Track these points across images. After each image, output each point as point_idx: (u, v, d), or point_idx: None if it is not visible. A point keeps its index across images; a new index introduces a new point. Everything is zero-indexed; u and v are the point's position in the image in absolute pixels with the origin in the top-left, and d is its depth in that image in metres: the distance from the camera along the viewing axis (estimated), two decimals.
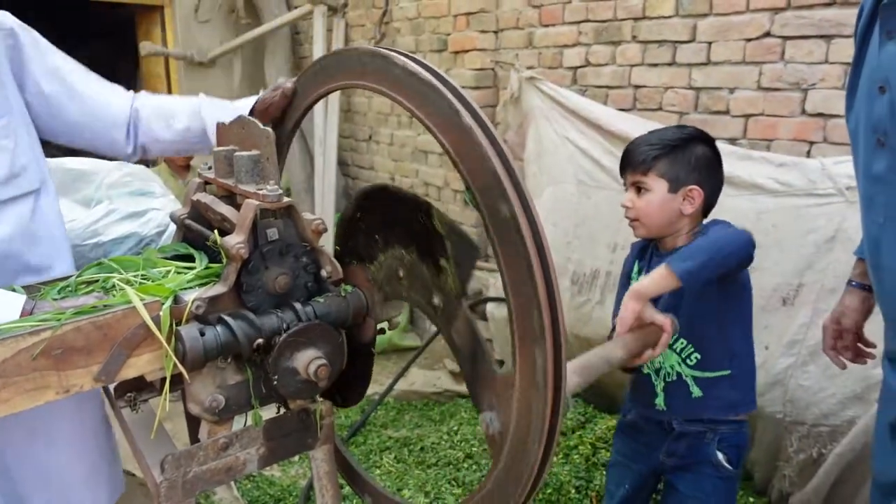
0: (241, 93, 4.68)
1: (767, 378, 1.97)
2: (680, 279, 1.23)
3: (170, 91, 4.68)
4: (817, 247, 1.93)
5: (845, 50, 1.96)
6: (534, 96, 2.77)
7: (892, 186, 1.06)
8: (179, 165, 3.23)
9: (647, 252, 1.54)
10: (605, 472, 2.09)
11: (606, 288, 2.44)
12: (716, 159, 1.46)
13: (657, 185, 1.41)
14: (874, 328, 1.32)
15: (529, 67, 2.87)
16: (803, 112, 2.08)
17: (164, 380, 1.01)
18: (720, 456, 1.42)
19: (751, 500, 2.07)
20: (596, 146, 2.55)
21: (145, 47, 4.35)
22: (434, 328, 3.37)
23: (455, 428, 2.55)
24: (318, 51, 3.94)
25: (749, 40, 2.17)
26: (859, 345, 1.40)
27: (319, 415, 1.19)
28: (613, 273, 2.41)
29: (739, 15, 2.19)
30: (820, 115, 2.05)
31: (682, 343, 1.43)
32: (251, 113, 1.31)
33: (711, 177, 1.44)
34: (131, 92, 1.45)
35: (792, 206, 2.01)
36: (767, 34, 2.13)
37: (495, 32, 3.09)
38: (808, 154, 2.08)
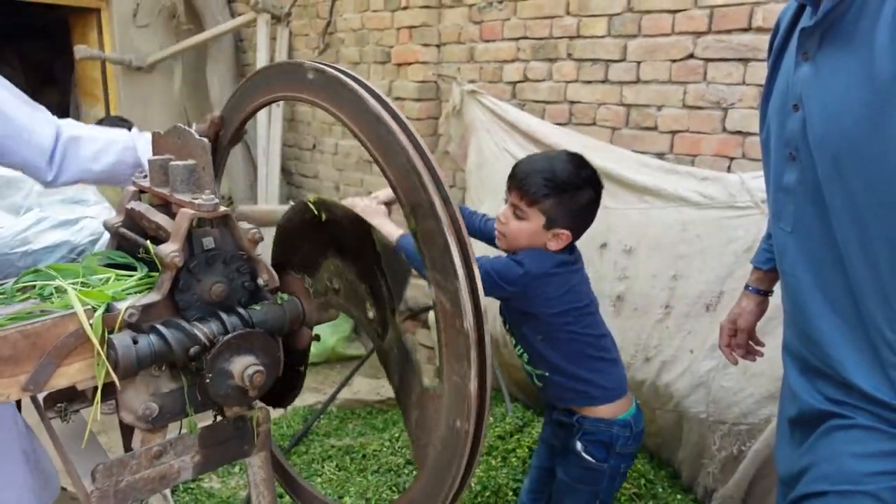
0: (182, 99, 4.60)
1: (692, 380, 2.09)
2: (397, 243, 1.50)
3: (107, 95, 4.57)
4: (737, 256, 2.06)
5: (761, 73, 2.10)
6: (475, 109, 2.85)
7: (800, 197, 1.14)
8: None
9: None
10: None
11: None
12: (596, 204, 1.55)
13: (535, 219, 1.49)
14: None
15: (471, 81, 2.95)
16: (724, 129, 2.22)
17: (95, 389, 1.01)
18: (579, 446, 1.56)
19: (678, 497, 2.17)
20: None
21: (80, 51, 4.23)
22: None
23: (397, 435, 2.58)
24: (261, 59, 3.93)
25: (674, 61, 2.30)
26: (750, 343, 1.53)
27: (256, 422, 1.20)
28: None
29: (666, 37, 2.31)
30: (739, 132, 2.18)
31: (513, 340, 1.64)
32: None
33: (585, 222, 1.55)
34: (61, 120, 1.43)
35: (714, 217, 2.14)
36: (691, 56, 2.26)
37: (437, 46, 3.16)
38: (729, 169, 2.22)
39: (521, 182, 1.49)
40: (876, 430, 1.07)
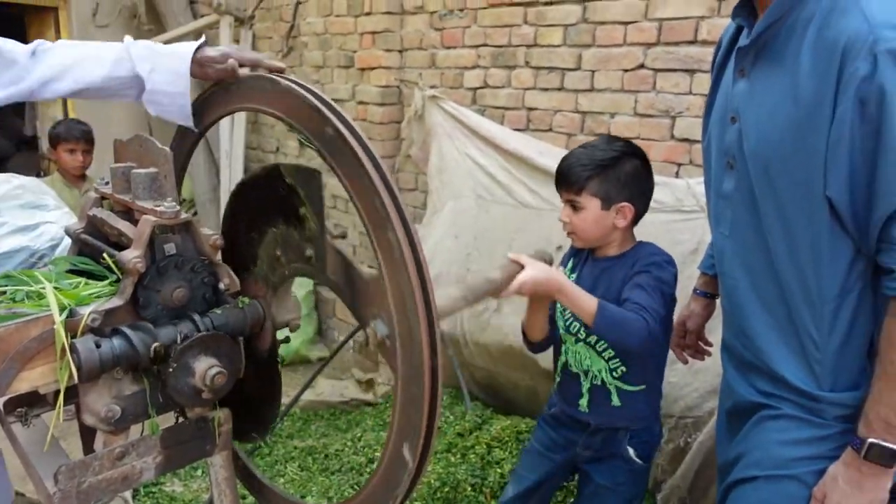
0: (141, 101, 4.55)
1: None
2: (592, 323, 1.36)
3: (64, 102, 4.49)
4: (684, 258, 2.16)
5: (706, 83, 2.19)
6: (436, 114, 2.91)
7: (737, 203, 1.23)
8: (74, 175, 3.12)
9: (583, 253, 1.64)
10: (499, 470, 2.23)
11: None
12: (645, 171, 1.56)
13: (591, 204, 1.50)
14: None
15: (432, 86, 3.00)
16: (672, 137, 2.32)
17: (57, 392, 1.03)
18: (631, 451, 1.56)
19: None
20: (493, 163, 2.72)
21: None
22: (342, 337, 3.42)
23: (359, 434, 2.62)
24: None
25: (626, 71, 2.40)
26: (699, 342, 1.62)
27: (217, 422, 1.24)
28: None
29: (618, 47, 2.41)
30: (686, 140, 2.29)
31: (610, 353, 1.53)
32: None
33: (641, 190, 1.55)
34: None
35: (663, 221, 2.23)
36: (642, 66, 2.36)
37: (400, 52, 3.20)
38: (677, 174, 2.32)
39: (565, 176, 1.53)
40: (800, 419, 1.16)
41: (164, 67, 1.20)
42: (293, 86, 1.10)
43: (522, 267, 1.37)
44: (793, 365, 1.17)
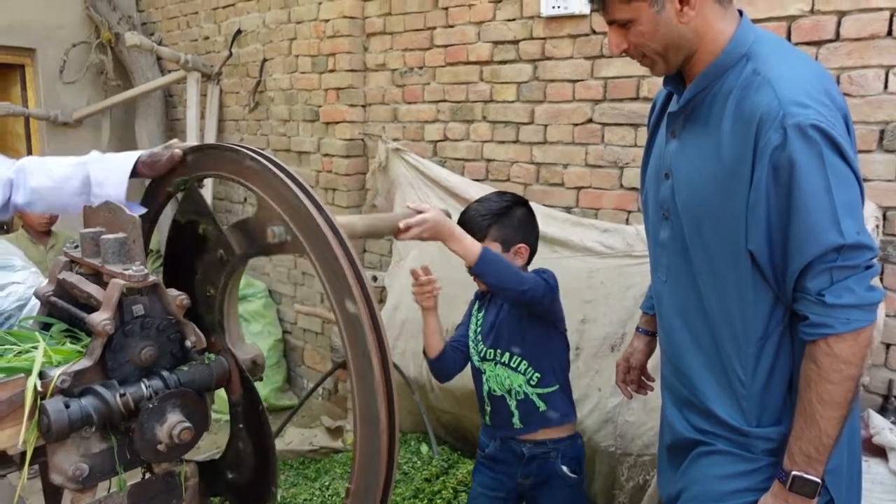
0: None
1: (601, 416, 2.26)
2: (476, 260, 1.56)
3: (30, 151, 4.51)
4: (636, 301, 2.27)
5: None
6: (399, 165, 3.02)
7: (672, 251, 1.34)
8: (39, 231, 3.14)
9: (487, 293, 1.86)
10: None
11: None
12: (532, 216, 1.83)
13: (493, 248, 1.70)
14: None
15: (395, 139, 3.13)
16: (622, 186, 2.46)
17: (24, 453, 1.07)
18: (564, 468, 1.77)
19: None
20: (455, 213, 2.79)
21: (2, 107, 4.19)
22: (311, 385, 3.44)
23: (328, 483, 2.63)
24: (191, 115, 4.00)
25: (576, 125, 2.55)
26: (643, 378, 1.71)
27: (184, 476, 1.27)
28: None
29: (568, 103, 2.56)
30: (634, 188, 2.43)
31: (524, 365, 1.76)
32: (135, 165, 1.37)
33: (531, 232, 1.82)
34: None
35: (615, 265, 2.35)
36: (590, 120, 2.51)
37: (363, 106, 3.33)
38: (627, 221, 2.45)
39: (468, 227, 1.73)
40: (733, 454, 1.25)
41: (114, 180, 1.36)
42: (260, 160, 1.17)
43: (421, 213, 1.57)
44: (724, 402, 1.26)
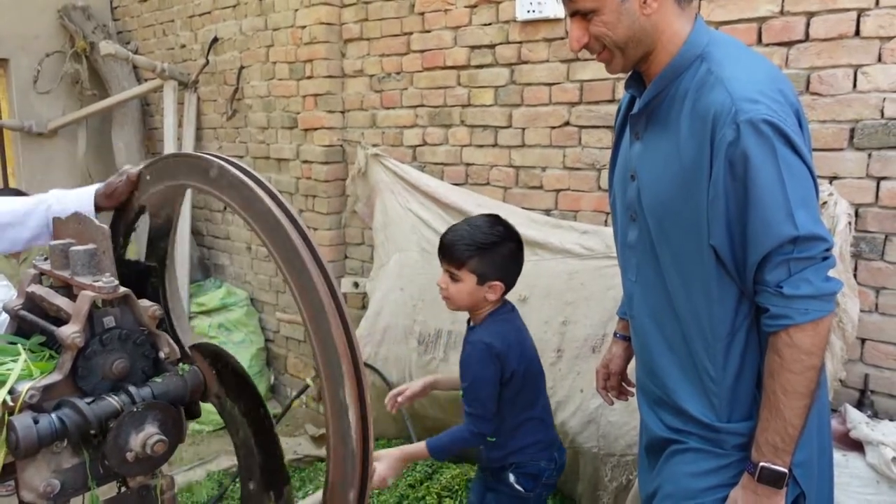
0: (86, 164, 4.54)
1: (584, 417, 2.27)
2: (429, 454, 1.71)
3: (4, 161, 4.44)
4: (616, 301, 2.28)
5: None
6: (379, 171, 3.02)
7: (641, 252, 1.35)
8: None
9: (468, 322, 1.85)
10: None
11: (449, 346, 2.67)
12: (519, 252, 1.77)
13: (468, 278, 1.72)
14: None
15: (374, 145, 3.12)
16: (599, 188, 2.48)
17: None
18: (512, 479, 1.77)
19: None
20: (435, 217, 2.83)
21: None
22: (294, 392, 3.41)
23: (312, 491, 2.61)
24: (169, 123, 3.96)
25: (553, 128, 2.56)
26: (623, 384, 1.72)
27: (160, 489, 1.25)
28: (455, 332, 2.64)
29: (545, 106, 2.58)
30: None
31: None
32: (95, 197, 1.40)
33: (513, 270, 1.77)
34: None
35: (595, 267, 2.36)
36: (567, 123, 2.53)
37: (342, 112, 3.32)
38: (605, 223, 2.47)
39: (448, 250, 1.72)
40: (705, 451, 1.26)
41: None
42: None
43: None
44: (695, 399, 1.27)
